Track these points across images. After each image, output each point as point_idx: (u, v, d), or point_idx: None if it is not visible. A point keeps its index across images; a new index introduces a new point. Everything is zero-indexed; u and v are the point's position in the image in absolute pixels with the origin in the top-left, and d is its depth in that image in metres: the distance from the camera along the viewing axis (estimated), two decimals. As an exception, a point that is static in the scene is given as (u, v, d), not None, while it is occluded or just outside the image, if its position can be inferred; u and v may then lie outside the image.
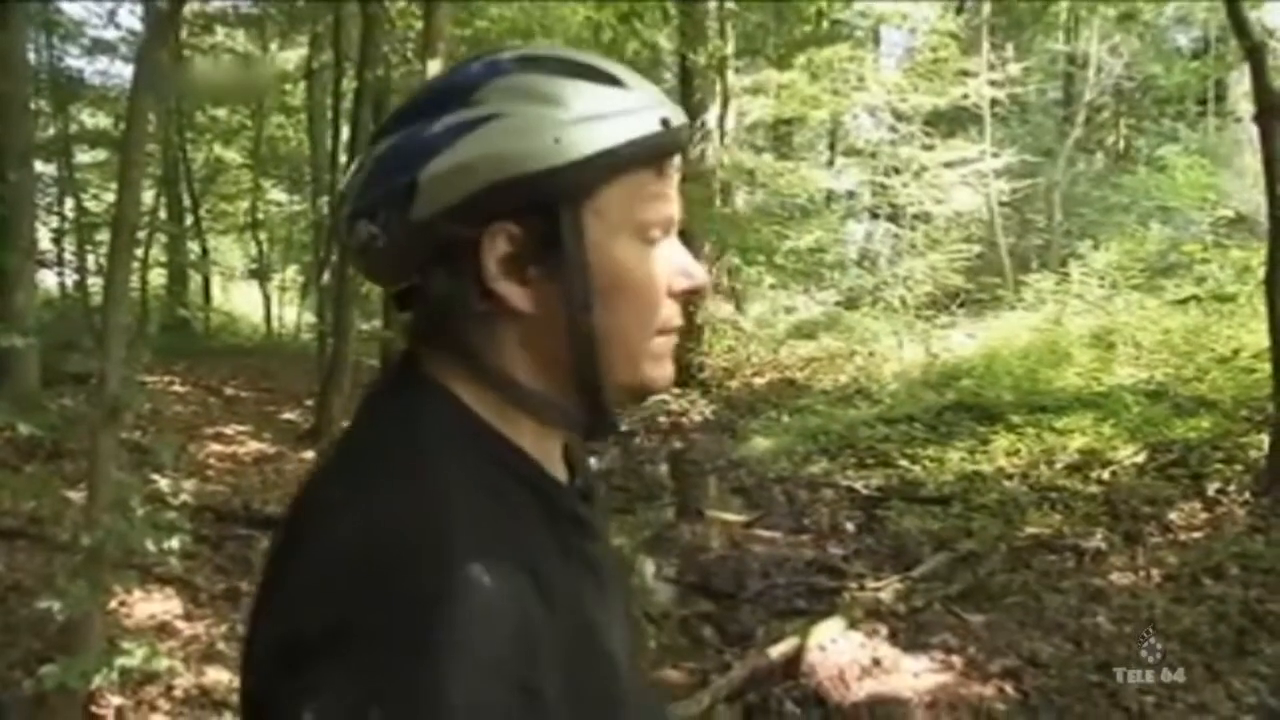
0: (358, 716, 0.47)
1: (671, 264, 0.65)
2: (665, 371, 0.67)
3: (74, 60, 10.29)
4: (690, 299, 0.67)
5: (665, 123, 0.63)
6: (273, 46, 10.49)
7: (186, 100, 9.45)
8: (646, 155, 0.63)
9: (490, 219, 0.60)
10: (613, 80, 0.63)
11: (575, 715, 0.54)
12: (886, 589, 4.26)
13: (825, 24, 10.51)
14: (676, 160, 0.67)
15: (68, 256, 9.53)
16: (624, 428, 7.73)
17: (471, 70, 0.64)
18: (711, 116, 11.58)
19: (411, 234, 0.61)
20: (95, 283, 9.33)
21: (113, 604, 3.48)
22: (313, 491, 0.62)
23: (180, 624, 3.68)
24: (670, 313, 0.66)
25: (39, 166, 7.86)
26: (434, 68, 3.65)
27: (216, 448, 6.15)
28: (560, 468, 0.68)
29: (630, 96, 0.63)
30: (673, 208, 0.66)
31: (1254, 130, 7.23)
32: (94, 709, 3.02)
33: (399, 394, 0.65)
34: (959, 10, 11.97)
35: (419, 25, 5.78)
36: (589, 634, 0.61)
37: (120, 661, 2.81)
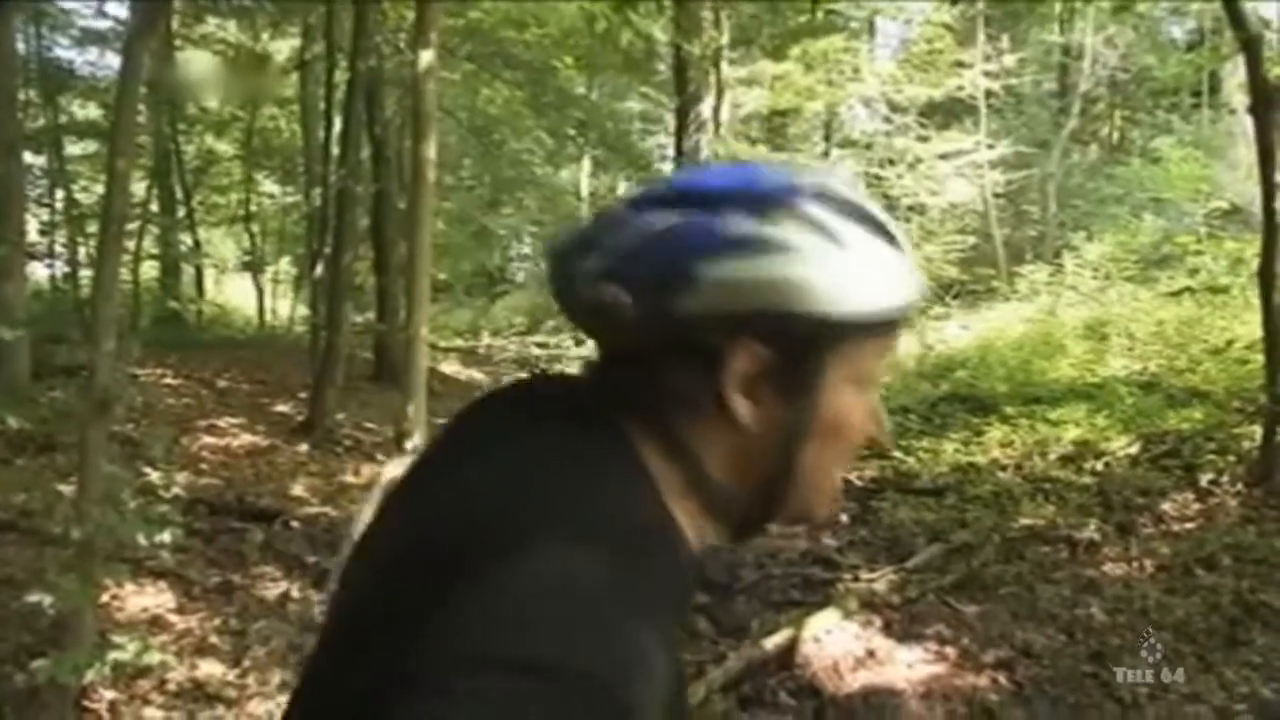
0: None
1: (873, 411, 0.68)
2: (832, 510, 0.72)
3: (63, 51, 10.20)
4: (868, 444, 0.70)
5: (915, 292, 0.65)
6: (264, 37, 10.41)
7: (181, 97, 9.37)
8: (900, 320, 0.65)
9: (747, 334, 0.61)
10: (891, 238, 0.65)
11: None
12: (881, 580, 4.27)
13: (820, 14, 10.48)
14: None
15: (58, 248, 9.46)
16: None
17: (771, 183, 0.64)
18: (706, 108, 11.57)
19: (666, 320, 0.61)
20: (86, 275, 9.28)
21: (104, 598, 3.46)
22: (481, 491, 0.60)
23: (173, 617, 3.67)
24: (854, 456, 0.70)
25: (29, 158, 7.79)
26: (426, 58, 3.62)
27: (209, 440, 6.12)
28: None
29: (903, 261, 0.65)
30: (888, 365, 0.70)
31: (1248, 122, 7.24)
32: (86, 703, 3.01)
33: (592, 435, 0.64)
34: (954, 1, 11.94)
35: (412, 16, 5.74)
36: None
37: (112, 656, 2.80)
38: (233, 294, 14.11)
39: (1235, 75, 9.03)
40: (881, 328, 0.64)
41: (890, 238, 0.64)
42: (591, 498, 0.59)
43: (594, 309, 0.64)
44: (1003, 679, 3.32)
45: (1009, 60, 11.56)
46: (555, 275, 0.68)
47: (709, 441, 0.64)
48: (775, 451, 0.64)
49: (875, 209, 0.66)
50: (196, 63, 9.48)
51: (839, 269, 0.61)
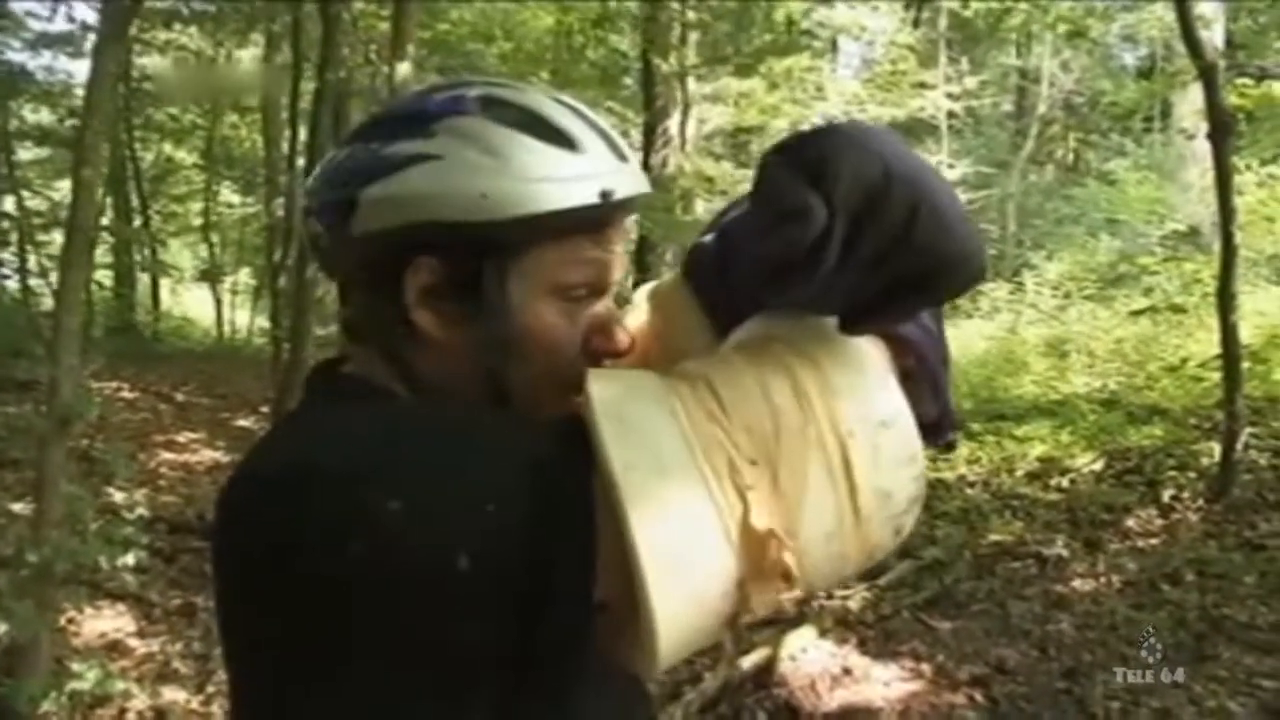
0: None
1: (593, 323, 0.67)
2: None
3: (16, 54, 9.92)
4: (607, 359, 0.69)
5: (605, 195, 0.63)
6: (226, 45, 10.25)
7: (140, 100, 9.17)
8: (576, 226, 0.64)
9: (417, 250, 0.63)
10: (566, 141, 0.64)
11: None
12: (854, 597, 4.28)
13: (794, 32, 10.61)
14: (625, 225, 0.68)
15: (7, 257, 9.17)
16: None
17: (436, 100, 0.65)
18: (673, 123, 11.62)
19: (347, 244, 0.65)
20: (38, 284, 9.00)
21: (60, 621, 3.33)
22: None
23: (133, 642, 3.55)
24: (580, 371, 0.65)
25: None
26: (403, 70, 3.59)
27: (168, 456, 5.96)
28: None
29: (577, 162, 0.63)
30: (606, 271, 0.67)
31: (1199, 146, 7.46)
32: (41, 733, 2.89)
33: (324, 396, 0.68)
34: (915, 24, 12.17)
35: (382, 26, 5.69)
36: None
37: (71, 685, 2.70)
38: (190, 305, 13.82)
39: (1185, 100, 9.31)
40: (560, 232, 0.63)
41: (566, 141, 0.64)
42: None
43: (310, 245, 0.69)
44: (979, 696, 3.35)
45: (969, 82, 11.80)
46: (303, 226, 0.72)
47: (425, 361, 0.66)
48: (480, 363, 0.65)
49: (553, 112, 0.65)
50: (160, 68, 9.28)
51: (482, 176, 0.61)
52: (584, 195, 0.63)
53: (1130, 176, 9.42)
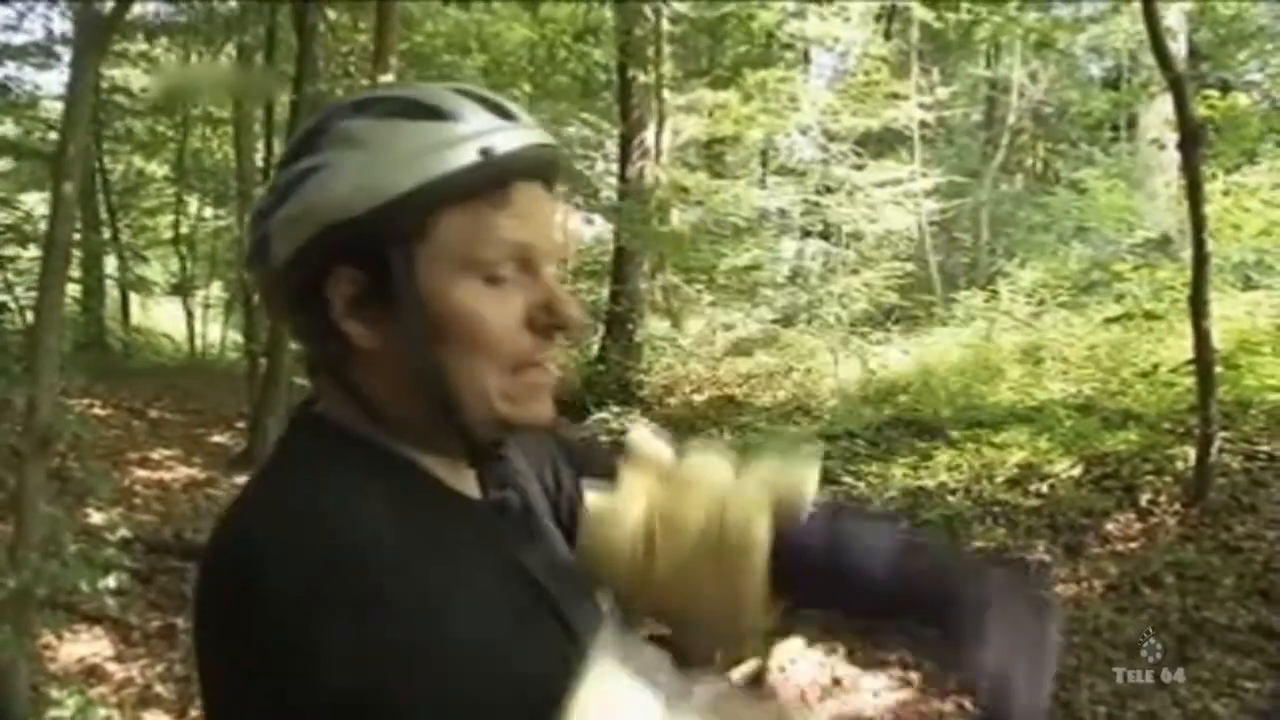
0: None
1: (533, 300, 0.66)
2: (530, 409, 0.68)
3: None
4: (558, 333, 0.67)
5: (485, 152, 0.62)
6: (200, 57, 10.15)
7: (110, 113, 9.04)
8: (464, 189, 0.62)
9: (329, 263, 0.63)
10: (435, 113, 0.63)
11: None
12: (841, 606, 4.29)
13: (774, 44, 10.71)
14: (533, 188, 0.66)
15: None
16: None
17: (321, 116, 0.66)
18: (649, 135, 11.66)
19: (272, 279, 0.66)
20: (5, 300, 8.82)
21: (36, 648, 3.25)
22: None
23: (112, 666, 3.48)
24: (529, 349, 0.66)
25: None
26: (385, 82, 3.56)
27: (143, 474, 5.86)
28: (470, 484, 0.71)
29: (449, 128, 0.63)
30: (525, 238, 0.65)
31: (1166, 155, 7.61)
32: (20, 763, 2.81)
33: (295, 439, 0.69)
34: (888, 35, 12.33)
35: (359, 38, 5.66)
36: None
37: (50, 713, 2.63)
38: (161, 319, 13.61)
39: (1152, 110, 9.50)
40: (455, 202, 0.63)
41: (437, 114, 0.63)
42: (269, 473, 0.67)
43: (261, 298, 0.71)
44: (967, 703, 3.36)
45: (941, 93, 11.96)
46: None
47: (368, 376, 0.66)
48: (415, 364, 0.64)
49: (422, 94, 0.65)
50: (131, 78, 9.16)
51: (359, 166, 0.62)
52: (463, 157, 0.62)
53: (1100, 185, 9.59)
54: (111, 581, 2.84)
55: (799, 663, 3.72)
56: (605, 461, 0.87)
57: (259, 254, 0.66)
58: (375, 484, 0.63)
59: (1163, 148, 7.85)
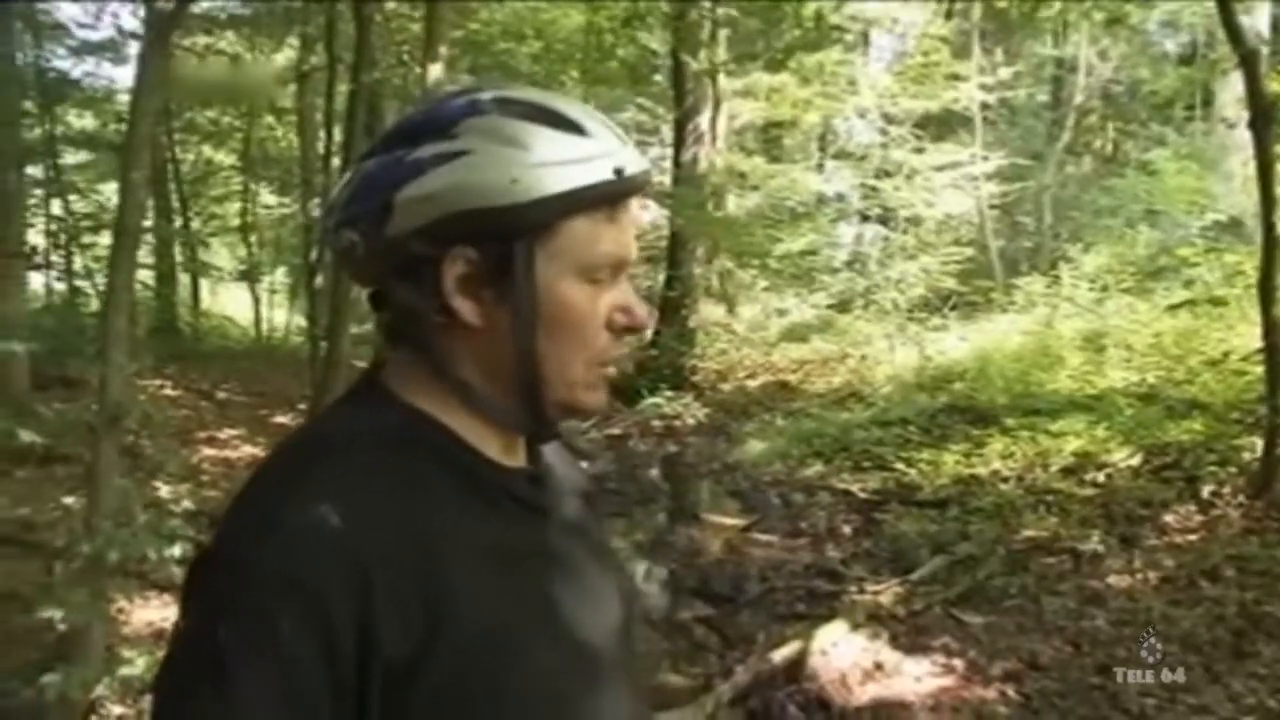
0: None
1: (614, 302, 0.72)
2: (596, 398, 0.75)
3: (61, 61, 10.19)
4: (629, 334, 0.75)
5: (618, 171, 0.69)
6: (263, 48, 10.43)
7: (179, 101, 9.36)
8: (598, 200, 0.69)
9: (453, 242, 0.67)
10: (576, 128, 0.69)
11: (449, 660, 0.63)
12: (886, 592, 4.28)
13: (824, 27, 10.55)
14: (633, 205, 0.73)
15: (54, 259, 9.43)
16: (577, 434, 8.07)
17: (454, 105, 0.71)
18: (704, 120, 11.61)
19: (385, 247, 0.69)
20: (83, 285, 9.26)
21: (111, 612, 3.44)
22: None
23: (179, 631, 3.65)
24: (606, 346, 0.73)
25: (27, 169, 7.78)
26: (435, 71, 3.64)
27: (210, 452, 6.11)
28: (517, 458, 0.77)
29: (589, 144, 0.69)
30: (623, 250, 0.72)
31: (1241, 135, 7.29)
32: (94, 718, 2.99)
33: (350, 398, 0.75)
34: (949, 15, 12.03)
35: (413, 28, 5.76)
36: (509, 595, 0.68)
37: (122, 671, 2.79)
38: (228, 304, 14.09)
39: (1227, 88, 9.11)
40: (582, 211, 0.68)
41: (576, 128, 0.69)
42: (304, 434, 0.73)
43: (342, 258, 0.73)
44: (1011, 691, 3.33)
45: (1004, 73, 11.63)
46: (328, 243, 0.78)
47: (457, 350, 0.71)
48: (512, 346, 0.69)
49: (558, 103, 0.71)
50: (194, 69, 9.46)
51: (509, 164, 0.67)
52: (601, 172, 0.68)
53: (1169, 166, 9.23)
54: (177, 550, 2.99)
55: (841, 646, 3.72)
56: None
57: (369, 222, 0.69)
58: (398, 453, 0.69)
59: (1232, 127, 7.52)
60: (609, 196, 0.70)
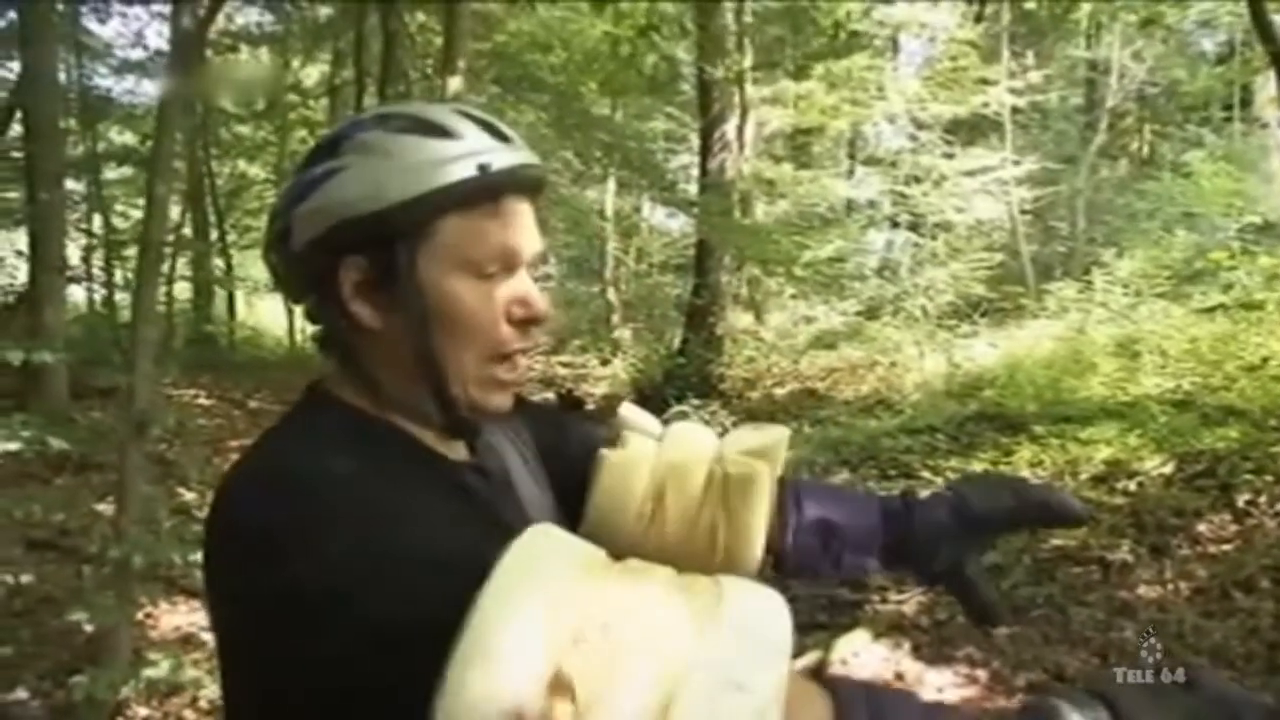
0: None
1: (510, 295, 0.75)
2: (495, 399, 0.77)
3: (102, 80, 10.49)
4: (530, 325, 0.77)
5: (483, 168, 0.72)
6: (295, 63, 10.62)
7: (214, 114, 9.56)
8: (463, 199, 0.72)
9: (344, 252, 0.72)
10: (444, 132, 0.73)
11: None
12: (909, 602, 4.23)
13: (843, 35, 10.52)
14: (521, 200, 0.76)
15: (95, 272, 9.69)
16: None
17: (344, 126, 0.76)
18: (730, 127, 11.61)
19: (291, 262, 0.75)
20: (122, 298, 9.48)
21: (139, 615, 3.52)
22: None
23: (205, 636, 3.71)
24: (507, 338, 0.76)
25: (68, 184, 8.01)
26: (454, 84, 3.70)
27: (241, 460, 6.21)
28: (458, 449, 0.80)
29: (454, 146, 0.72)
30: (510, 243, 0.75)
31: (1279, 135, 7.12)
32: (121, 719, 3.06)
33: (296, 409, 0.79)
34: (978, 19, 11.92)
35: (439, 41, 5.84)
36: None
37: (147, 673, 2.85)
38: (264, 315, 14.34)
39: (1266, 88, 8.93)
40: (455, 209, 0.72)
41: (443, 132, 0.73)
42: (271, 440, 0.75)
43: (273, 279, 0.79)
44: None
45: (1035, 76, 11.49)
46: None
47: (369, 354, 0.75)
48: (412, 344, 0.73)
49: (434, 114, 0.75)
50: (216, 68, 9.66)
51: (375, 172, 0.71)
52: (462, 171, 0.72)
53: (1206, 168, 9.05)
54: (201, 556, 3.05)
55: (862, 656, 3.69)
56: (592, 431, 0.96)
57: (281, 240, 0.75)
58: (353, 443, 0.73)
59: (1264, 126, 7.36)
60: (474, 194, 0.72)
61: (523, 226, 0.76)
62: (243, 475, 0.72)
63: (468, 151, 0.72)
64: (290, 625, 0.61)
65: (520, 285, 0.76)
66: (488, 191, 0.73)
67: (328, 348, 0.78)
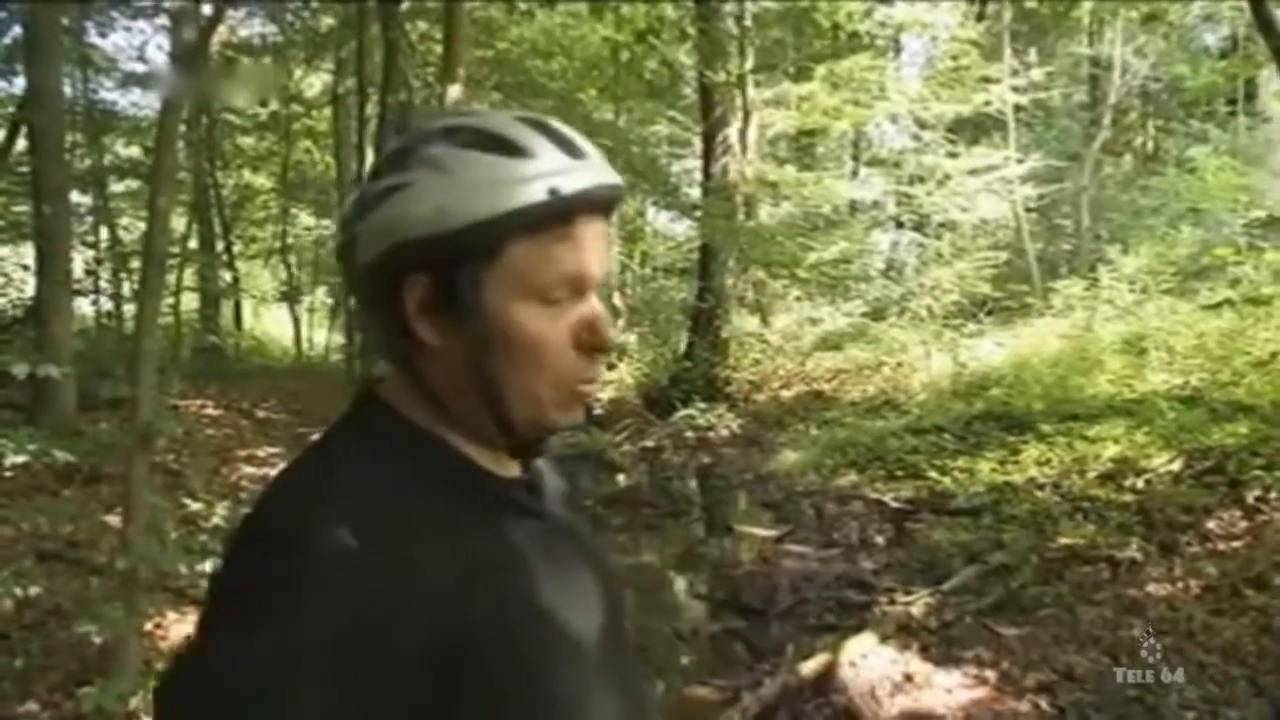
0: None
1: (579, 320, 0.72)
2: (567, 416, 0.75)
3: (107, 93, 10.56)
4: (597, 353, 0.74)
5: (553, 191, 0.68)
6: (297, 73, 10.67)
7: (209, 114, 9.59)
8: (535, 222, 0.69)
9: (406, 270, 0.69)
10: (515, 150, 0.69)
11: (473, 671, 0.64)
12: (918, 603, 4.21)
13: (843, 37, 10.52)
14: (596, 222, 0.73)
15: (103, 285, 9.74)
16: (609, 447, 8.05)
17: (413, 136, 0.73)
18: (733, 131, 11.62)
19: (357, 276, 0.73)
20: (129, 310, 9.53)
21: (148, 626, 3.52)
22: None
23: (214, 645, 3.72)
24: (574, 364, 0.72)
25: (74, 197, 8.05)
26: (454, 92, 3.71)
27: (249, 470, 6.23)
28: (511, 467, 0.78)
29: (524, 166, 0.69)
30: (581, 268, 0.71)
31: (1285, 129, 7.09)
32: (130, 731, 3.06)
33: (351, 416, 0.76)
34: (979, 17, 11.90)
35: (440, 49, 5.85)
36: (517, 598, 0.70)
37: (154, 683, 2.85)
38: (270, 325, 14.39)
39: (1271, 82, 8.89)
40: (523, 233, 0.68)
41: (514, 150, 0.69)
42: (319, 453, 0.72)
43: (346, 283, 0.77)
44: (1044, 704, 3.25)
45: (1037, 74, 11.46)
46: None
47: (430, 369, 0.72)
48: (473, 367, 0.70)
49: (504, 129, 0.71)
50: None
51: (437, 192, 0.68)
52: (533, 195, 0.68)
53: (1210, 164, 9.01)
54: (208, 566, 3.06)
55: (870, 658, 3.67)
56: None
57: (346, 253, 0.74)
58: (397, 461, 0.71)
59: (1267, 120, 7.32)
60: (545, 218, 0.69)
61: (593, 249, 0.72)
62: (283, 484, 0.70)
63: (539, 173, 0.69)
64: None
65: (588, 310, 0.72)
66: (558, 215, 0.69)
67: (390, 357, 0.76)
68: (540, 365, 0.71)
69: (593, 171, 0.71)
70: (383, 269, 0.70)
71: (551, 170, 0.69)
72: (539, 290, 0.70)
